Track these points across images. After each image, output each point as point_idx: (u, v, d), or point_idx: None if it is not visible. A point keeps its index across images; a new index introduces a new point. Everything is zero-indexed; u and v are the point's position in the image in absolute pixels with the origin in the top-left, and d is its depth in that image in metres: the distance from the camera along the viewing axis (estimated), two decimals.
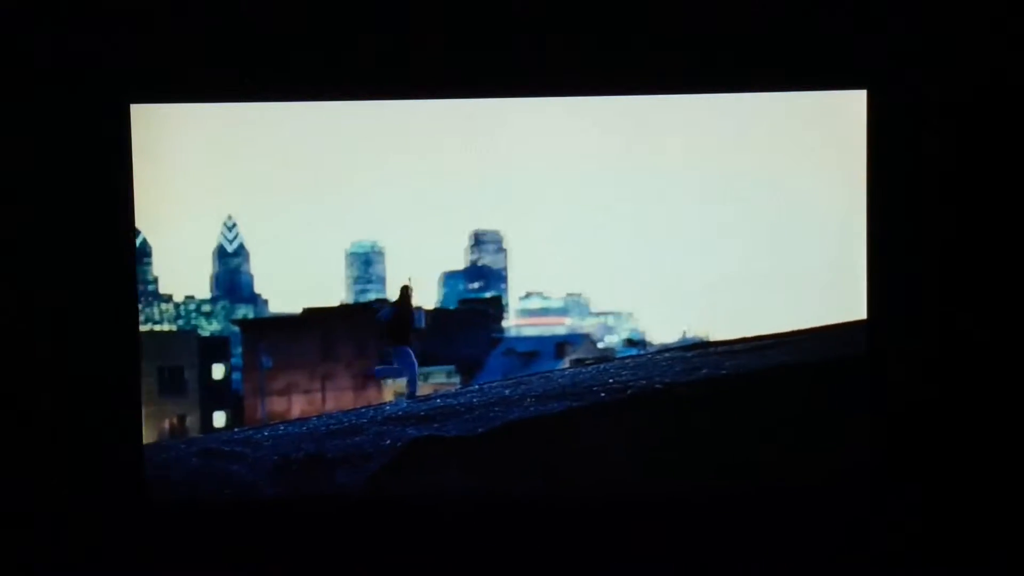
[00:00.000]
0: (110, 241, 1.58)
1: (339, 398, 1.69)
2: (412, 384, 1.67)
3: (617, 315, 1.64)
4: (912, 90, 1.60)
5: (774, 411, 1.62)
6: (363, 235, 1.63)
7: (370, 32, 1.58)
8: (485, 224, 1.62)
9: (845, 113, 1.59)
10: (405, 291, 1.63)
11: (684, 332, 1.63)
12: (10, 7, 1.57)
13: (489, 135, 1.60)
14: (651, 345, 1.64)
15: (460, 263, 1.64)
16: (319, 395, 1.69)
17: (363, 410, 1.68)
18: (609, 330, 1.65)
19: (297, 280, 1.62)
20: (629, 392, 1.63)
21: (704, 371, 1.63)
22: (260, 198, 1.60)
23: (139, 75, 1.57)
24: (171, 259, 1.62)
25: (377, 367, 1.69)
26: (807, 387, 1.62)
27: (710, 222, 1.61)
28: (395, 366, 1.68)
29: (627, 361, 1.65)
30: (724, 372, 1.63)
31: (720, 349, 1.63)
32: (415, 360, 1.67)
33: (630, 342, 1.64)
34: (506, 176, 1.60)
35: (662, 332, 1.64)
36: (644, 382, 1.64)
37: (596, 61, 1.60)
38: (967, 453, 1.64)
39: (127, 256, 1.57)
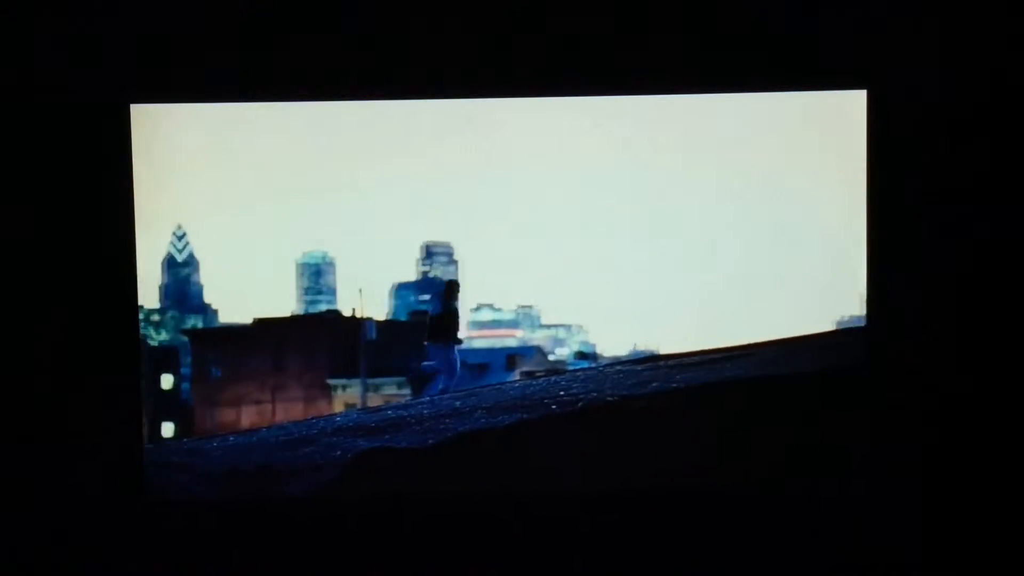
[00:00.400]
0: (110, 241, 1.58)
1: (289, 409, 1.68)
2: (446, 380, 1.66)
3: (568, 327, 1.64)
4: (912, 90, 1.60)
5: (724, 424, 1.62)
6: (314, 245, 1.62)
7: (368, 32, 1.58)
8: (437, 236, 1.62)
9: (845, 113, 1.59)
10: (452, 287, 1.63)
11: (634, 345, 1.63)
12: (10, 7, 1.57)
13: (443, 145, 1.59)
14: (602, 358, 1.64)
15: (411, 275, 1.64)
16: (269, 406, 1.68)
17: (314, 421, 1.67)
18: (560, 342, 1.65)
19: (248, 290, 1.61)
20: (580, 405, 1.63)
21: (655, 384, 1.63)
22: (210, 206, 1.59)
23: (139, 75, 1.57)
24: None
25: (423, 363, 1.68)
26: (761, 400, 1.62)
27: (702, 224, 1.61)
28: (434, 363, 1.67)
29: (578, 374, 1.65)
30: (675, 385, 1.63)
31: (671, 363, 1.64)
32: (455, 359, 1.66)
33: (581, 355, 1.64)
34: (460, 188, 1.60)
35: (614, 345, 1.64)
36: (595, 395, 1.63)
37: (595, 61, 1.59)
38: (966, 453, 1.65)
39: (127, 256, 1.57)
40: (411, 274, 1.63)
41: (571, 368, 1.65)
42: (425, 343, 1.66)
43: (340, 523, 1.62)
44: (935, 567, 1.64)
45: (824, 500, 1.64)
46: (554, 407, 1.63)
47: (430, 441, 1.62)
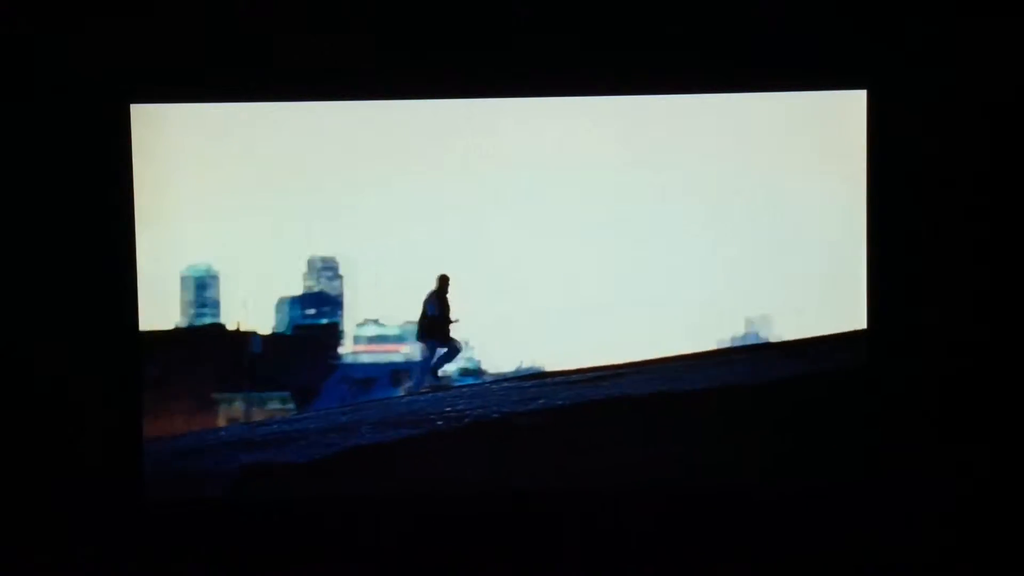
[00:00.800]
0: (110, 241, 1.58)
1: (174, 422, 1.66)
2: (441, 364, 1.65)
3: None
4: (912, 90, 1.60)
5: (613, 441, 1.62)
6: (198, 259, 1.60)
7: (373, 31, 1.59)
8: (323, 250, 1.61)
9: (845, 113, 1.59)
10: (444, 281, 1.61)
11: (521, 362, 1.63)
12: (10, 7, 1.56)
13: (331, 156, 1.58)
14: (487, 374, 1.64)
15: (297, 289, 1.62)
16: (154, 420, 1.67)
17: (200, 434, 1.65)
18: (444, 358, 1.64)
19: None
20: (466, 420, 1.63)
21: (541, 401, 1.63)
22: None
23: (139, 75, 1.57)
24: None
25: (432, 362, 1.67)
26: (643, 417, 1.63)
27: (702, 224, 1.61)
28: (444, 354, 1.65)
29: (464, 390, 1.65)
30: (560, 402, 1.63)
31: (556, 380, 1.63)
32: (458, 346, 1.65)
33: (467, 371, 1.64)
34: (349, 200, 1.59)
35: (500, 361, 1.64)
36: (481, 410, 1.63)
37: (593, 62, 1.60)
38: (965, 453, 1.66)
39: (127, 256, 1.58)
40: (297, 288, 1.62)
41: (456, 384, 1.65)
42: (423, 342, 1.65)
43: (354, 522, 1.64)
44: (935, 567, 1.64)
45: (822, 501, 1.65)
46: (440, 423, 1.63)
47: (315, 456, 1.62)
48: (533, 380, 1.64)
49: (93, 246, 1.59)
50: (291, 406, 1.64)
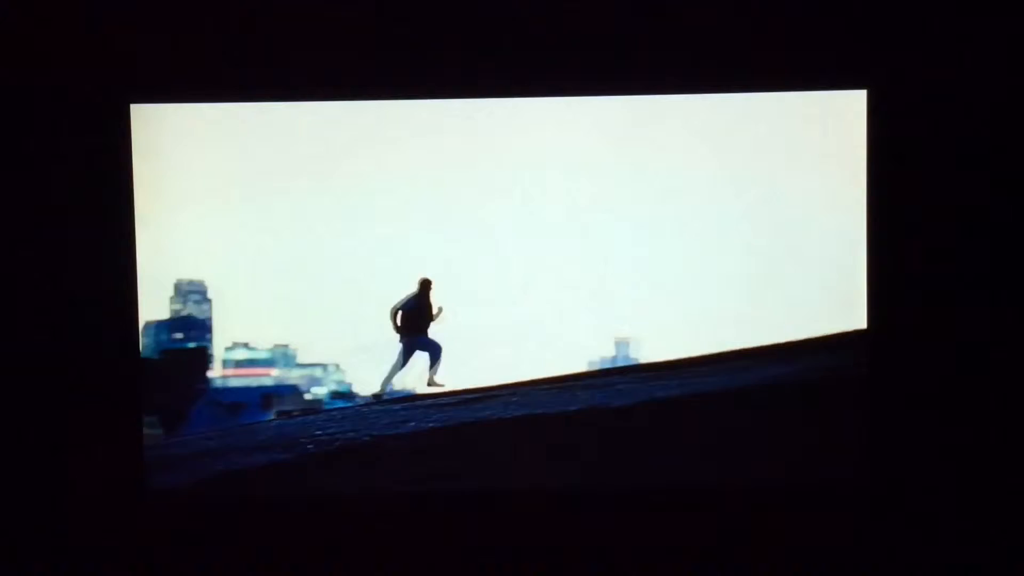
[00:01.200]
0: (110, 241, 1.57)
1: None
2: (435, 366, 1.63)
3: (324, 367, 1.63)
4: (912, 90, 1.61)
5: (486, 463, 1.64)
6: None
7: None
8: (190, 274, 1.60)
9: (845, 113, 1.59)
10: (426, 285, 1.60)
11: (393, 384, 1.63)
12: (10, 7, 1.56)
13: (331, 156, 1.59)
14: (359, 397, 1.64)
15: (164, 313, 1.61)
16: None
17: None
18: (316, 382, 1.64)
19: None
20: (337, 444, 1.62)
21: (412, 424, 1.63)
22: None
23: (139, 75, 1.57)
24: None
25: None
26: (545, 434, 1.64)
27: (701, 224, 1.61)
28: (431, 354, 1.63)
29: (334, 413, 1.64)
30: (432, 424, 1.63)
31: (428, 402, 1.64)
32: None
33: (337, 394, 1.63)
34: (212, 224, 1.59)
35: (371, 384, 1.64)
36: (352, 434, 1.63)
37: (592, 62, 1.60)
38: (966, 453, 1.67)
39: (127, 256, 1.57)
40: (164, 312, 1.61)
41: (327, 408, 1.64)
42: (402, 338, 1.63)
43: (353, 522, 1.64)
44: (935, 567, 1.65)
45: (822, 501, 1.66)
46: (310, 446, 1.62)
47: (184, 481, 1.60)
48: (402, 403, 1.64)
49: (92, 246, 1.59)
50: (158, 431, 1.62)
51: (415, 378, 1.63)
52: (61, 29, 1.58)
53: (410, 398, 1.64)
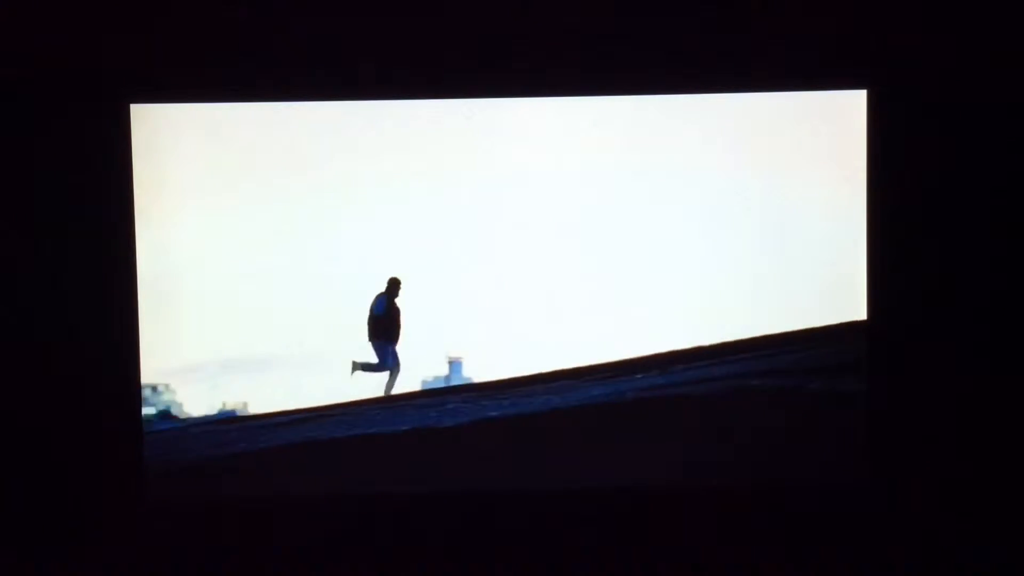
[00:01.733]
0: (110, 241, 1.58)
1: None
2: (392, 382, 1.63)
3: (153, 387, 1.62)
4: (912, 90, 1.61)
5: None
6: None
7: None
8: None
9: (845, 113, 1.59)
10: (395, 284, 1.60)
11: (223, 404, 1.62)
12: (10, 7, 1.56)
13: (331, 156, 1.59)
14: (187, 418, 1.62)
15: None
16: None
17: None
18: (144, 402, 1.62)
19: None
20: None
21: (242, 445, 1.62)
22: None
23: (139, 75, 1.57)
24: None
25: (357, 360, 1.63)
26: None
27: (701, 224, 1.61)
28: (376, 363, 1.63)
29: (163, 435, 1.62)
30: (261, 446, 1.62)
31: (263, 423, 1.62)
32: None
33: (166, 415, 1.62)
34: (212, 224, 1.59)
35: (197, 405, 1.62)
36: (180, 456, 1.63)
37: (592, 62, 1.61)
38: (966, 453, 1.68)
39: (127, 256, 1.57)
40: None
41: (155, 431, 1.62)
42: (371, 342, 1.62)
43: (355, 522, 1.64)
44: (936, 567, 1.63)
45: (821, 501, 1.67)
46: None
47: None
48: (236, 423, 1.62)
49: (92, 246, 1.60)
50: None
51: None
52: (61, 29, 1.59)
53: (238, 419, 1.62)
